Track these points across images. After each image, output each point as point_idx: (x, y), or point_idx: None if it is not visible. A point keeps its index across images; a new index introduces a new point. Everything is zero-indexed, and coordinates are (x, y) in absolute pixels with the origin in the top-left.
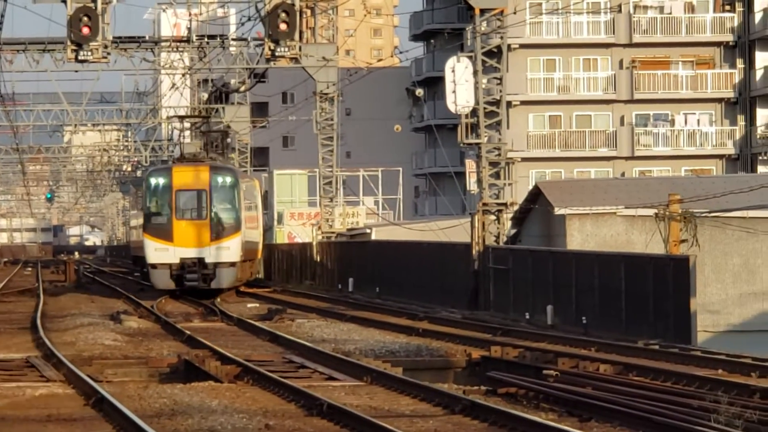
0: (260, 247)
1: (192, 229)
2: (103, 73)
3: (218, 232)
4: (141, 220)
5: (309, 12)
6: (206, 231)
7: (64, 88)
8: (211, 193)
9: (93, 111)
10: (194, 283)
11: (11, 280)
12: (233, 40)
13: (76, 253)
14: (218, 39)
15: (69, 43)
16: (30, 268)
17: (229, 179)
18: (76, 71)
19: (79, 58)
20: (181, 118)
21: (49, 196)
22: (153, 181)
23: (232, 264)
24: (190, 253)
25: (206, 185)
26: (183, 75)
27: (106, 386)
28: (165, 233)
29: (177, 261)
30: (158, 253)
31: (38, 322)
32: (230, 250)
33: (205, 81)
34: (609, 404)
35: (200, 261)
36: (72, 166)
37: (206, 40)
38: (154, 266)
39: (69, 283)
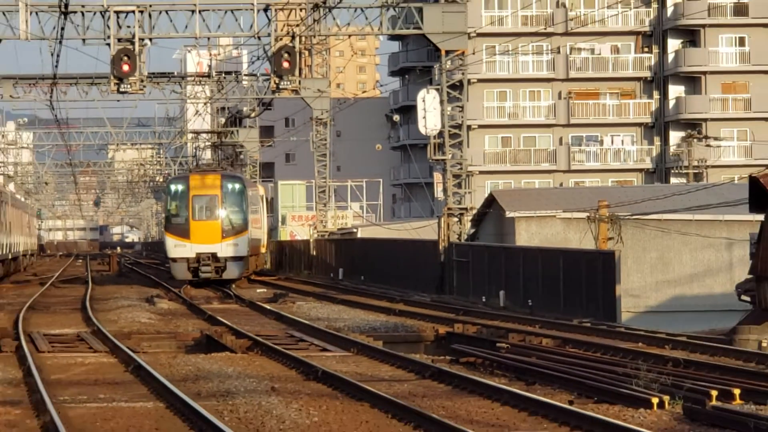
0: (264, 243)
1: (206, 228)
2: (139, 102)
3: (228, 230)
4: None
5: (307, 53)
6: (218, 230)
7: (108, 114)
8: (223, 197)
9: (131, 133)
10: (208, 274)
11: (65, 269)
12: (245, 75)
13: (118, 248)
14: (233, 75)
15: (112, 77)
16: (80, 261)
17: (237, 185)
18: (118, 101)
19: (120, 89)
20: (197, 133)
21: (96, 202)
22: (173, 187)
23: (240, 258)
24: (205, 248)
25: (218, 190)
26: (204, 104)
27: (142, 356)
28: (183, 231)
29: (193, 255)
30: (177, 248)
31: (87, 303)
32: (238, 246)
33: (223, 108)
34: (550, 371)
35: (213, 255)
36: (115, 177)
37: (223, 75)
38: (174, 260)
39: (112, 272)
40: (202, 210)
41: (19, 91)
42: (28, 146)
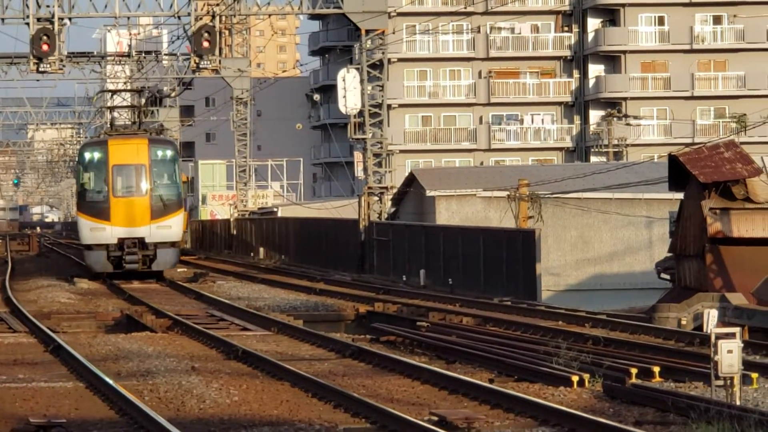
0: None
1: (131, 206)
2: (59, 82)
3: (159, 209)
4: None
5: (227, 32)
6: (146, 208)
7: (28, 93)
8: (151, 167)
9: (51, 113)
10: (134, 265)
11: None
12: (165, 55)
13: (38, 228)
14: (153, 54)
15: (31, 57)
16: (0, 241)
17: (169, 152)
18: (38, 80)
19: (40, 69)
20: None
21: (15, 181)
22: (87, 154)
23: (174, 243)
24: (129, 232)
25: (146, 159)
26: (124, 83)
27: (62, 336)
28: (101, 211)
29: (115, 241)
30: (94, 233)
31: (7, 284)
32: (172, 228)
33: (143, 88)
34: (470, 349)
35: (140, 241)
36: (34, 157)
37: (143, 55)
38: (89, 247)
39: (32, 252)
40: (126, 184)
41: None
42: None
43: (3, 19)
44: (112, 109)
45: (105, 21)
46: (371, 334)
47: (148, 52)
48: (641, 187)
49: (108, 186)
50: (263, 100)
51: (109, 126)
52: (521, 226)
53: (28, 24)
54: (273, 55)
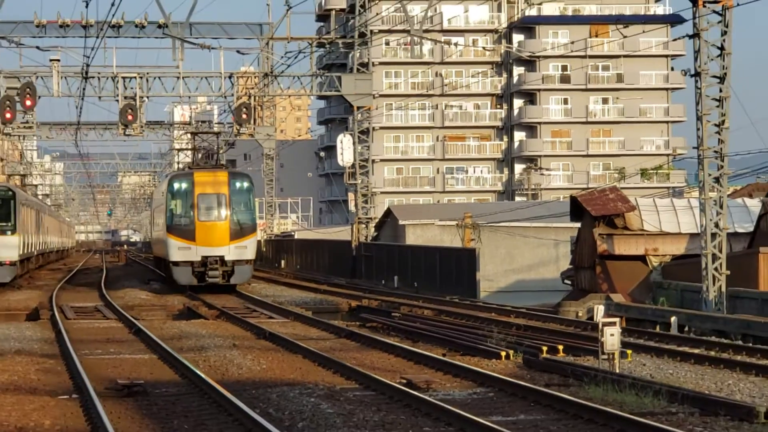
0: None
1: (213, 229)
2: (140, 142)
3: (236, 232)
4: (161, 221)
5: (259, 108)
6: (226, 231)
7: (118, 150)
8: (230, 196)
9: (135, 163)
10: (216, 279)
11: (87, 261)
12: (215, 123)
13: (125, 246)
14: (207, 123)
15: (120, 124)
16: (98, 255)
17: (246, 184)
18: (125, 140)
19: (126, 133)
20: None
21: (109, 213)
22: (176, 184)
23: (248, 261)
24: (212, 251)
25: (225, 189)
26: (187, 142)
27: (141, 322)
28: (188, 233)
29: (199, 259)
30: (182, 251)
31: (102, 285)
32: (247, 249)
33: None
34: (429, 333)
35: (221, 259)
36: (122, 195)
37: (200, 123)
38: (176, 264)
39: (121, 263)
40: (209, 210)
41: (53, 133)
42: (59, 173)
43: (100, 97)
44: (194, 148)
45: (172, 99)
46: (360, 322)
47: (203, 122)
48: (551, 218)
49: (194, 211)
50: (285, 156)
51: (193, 161)
52: (466, 245)
53: (117, 100)
54: (292, 124)
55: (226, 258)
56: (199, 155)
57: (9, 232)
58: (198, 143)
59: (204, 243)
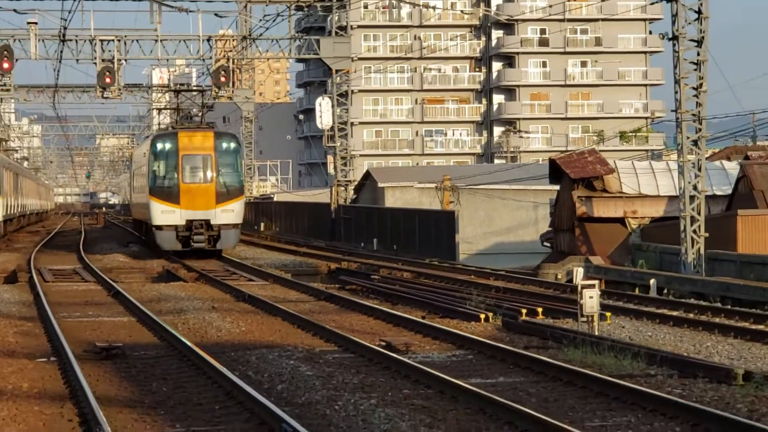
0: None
1: (199, 192)
2: (118, 105)
3: (223, 195)
4: (143, 182)
5: (238, 71)
6: (212, 194)
7: (96, 112)
8: (217, 157)
9: (113, 126)
10: (201, 244)
11: (65, 224)
12: (194, 86)
13: (104, 208)
14: (185, 85)
15: (98, 87)
16: (76, 217)
17: (232, 144)
18: (103, 103)
19: (104, 95)
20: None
21: (87, 175)
22: (159, 145)
23: (235, 225)
24: (197, 215)
25: (211, 150)
26: (164, 106)
27: (120, 285)
28: (172, 196)
29: (183, 223)
30: (165, 215)
31: (81, 247)
32: (234, 212)
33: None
34: (408, 295)
35: (206, 223)
36: (101, 158)
37: (178, 86)
38: (160, 228)
39: (99, 225)
40: (194, 172)
41: (31, 96)
42: (37, 135)
43: (78, 60)
44: (178, 106)
45: (151, 62)
46: (339, 284)
47: (181, 84)
48: (530, 181)
49: (178, 173)
50: (264, 119)
51: (176, 121)
52: (445, 208)
53: (95, 63)
54: (271, 87)
55: (212, 222)
56: (182, 115)
57: None
58: (181, 102)
59: (189, 206)
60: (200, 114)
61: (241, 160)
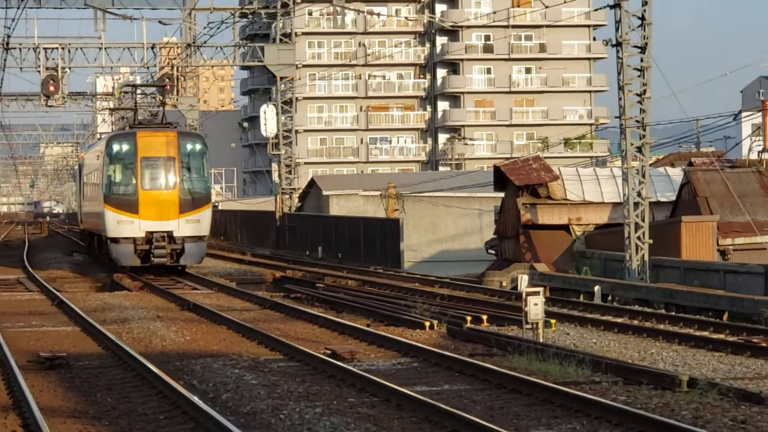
0: None
1: (160, 200)
2: (62, 113)
3: (187, 203)
4: (95, 189)
5: (182, 78)
6: (175, 202)
7: (40, 121)
8: (181, 160)
9: (57, 135)
10: (162, 259)
11: (9, 233)
12: (138, 94)
13: (47, 218)
14: (129, 93)
15: (42, 95)
16: (20, 227)
17: (198, 146)
18: (47, 111)
19: (48, 104)
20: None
21: (31, 184)
22: (116, 146)
23: (201, 238)
24: (158, 226)
25: (175, 152)
26: (109, 113)
27: (64, 294)
28: (129, 204)
29: (143, 235)
30: (122, 226)
31: (24, 257)
32: (200, 223)
33: (122, 118)
34: (353, 303)
35: (169, 235)
36: (45, 167)
37: (122, 92)
38: (116, 240)
39: (43, 234)
40: (155, 177)
41: None
42: None
43: (21, 68)
44: (136, 104)
45: (95, 70)
46: (284, 293)
47: (125, 92)
48: (475, 188)
49: (137, 179)
50: (208, 127)
51: (133, 120)
52: (390, 216)
53: (39, 71)
54: (215, 95)
55: (175, 234)
56: (144, 116)
57: None
58: (139, 101)
59: (149, 216)
60: (163, 110)
61: (208, 164)
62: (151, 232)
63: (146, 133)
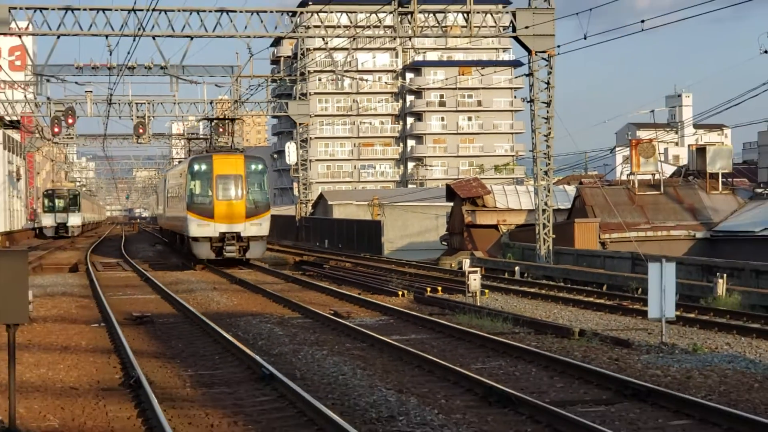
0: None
1: (230, 207)
2: (148, 147)
3: (251, 210)
4: (178, 200)
5: (231, 123)
6: (242, 210)
7: (133, 153)
8: (246, 177)
9: (144, 162)
10: (233, 254)
11: (111, 231)
12: (202, 136)
13: (138, 220)
14: (195, 134)
15: (134, 135)
16: (119, 226)
17: (260, 166)
18: (137, 146)
19: (139, 141)
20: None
21: (127, 197)
22: (196, 166)
23: (263, 237)
24: (229, 228)
25: (242, 170)
26: (186, 141)
27: (149, 273)
28: (207, 211)
29: (217, 235)
30: (201, 228)
31: (122, 246)
32: (261, 226)
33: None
34: (349, 278)
35: (237, 235)
36: (137, 185)
37: (193, 136)
38: (196, 239)
39: (135, 231)
40: (227, 190)
41: (87, 142)
42: (92, 170)
43: (120, 116)
44: (211, 134)
45: (171, 118)
46: (301, 271)
47: (192, 134)
48: (432, 199)
49: (213, 191)
50: None
51: (211, 146)
52: (374, 218)
53: (132, 119)
54: (254, 135)
55: (242, 234)
56: (209, 144)
57: (77, 210)
58: (214, 139)
59: (222, 220)
60: (232, 139)
61: (268, 180)
62: (224, 233)
63: (220, 156)
